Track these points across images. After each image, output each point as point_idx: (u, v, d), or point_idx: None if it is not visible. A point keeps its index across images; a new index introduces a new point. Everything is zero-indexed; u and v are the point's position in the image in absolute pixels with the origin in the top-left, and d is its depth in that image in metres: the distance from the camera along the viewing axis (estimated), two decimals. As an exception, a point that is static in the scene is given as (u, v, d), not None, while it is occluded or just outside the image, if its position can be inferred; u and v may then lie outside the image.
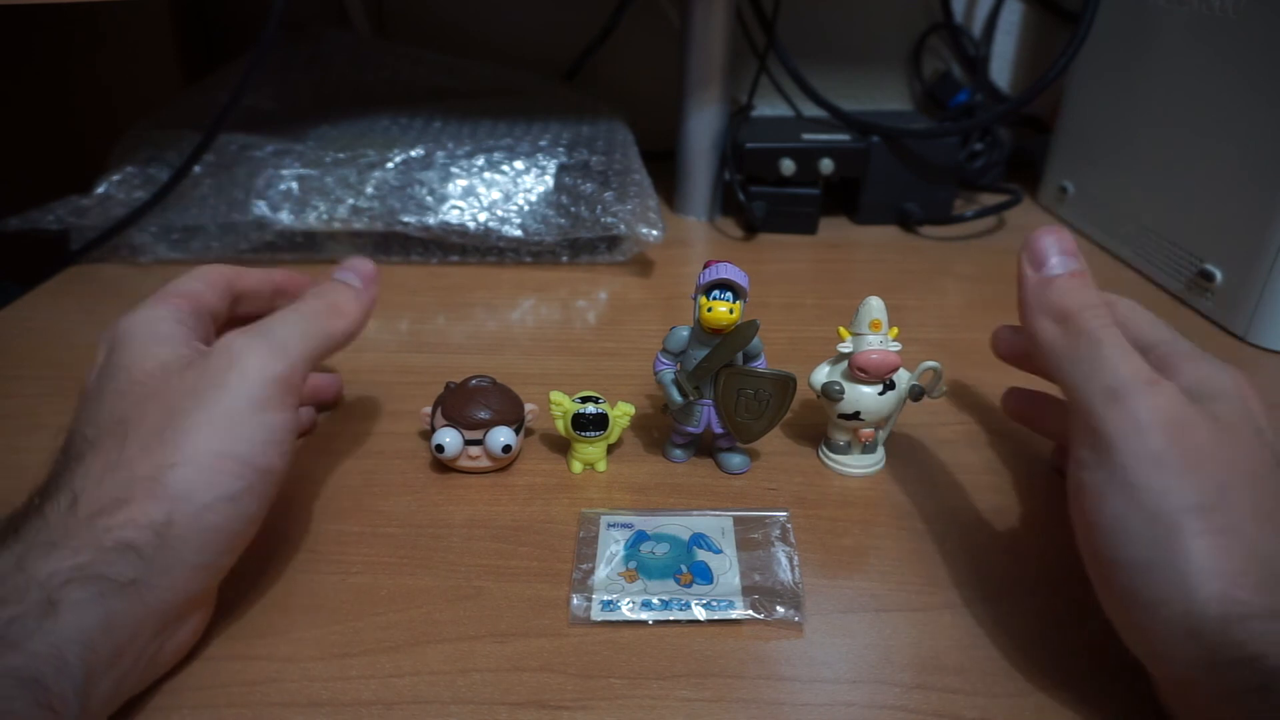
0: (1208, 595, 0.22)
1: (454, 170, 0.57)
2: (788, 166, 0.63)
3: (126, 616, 0.24)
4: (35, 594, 0.23)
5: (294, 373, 0.29)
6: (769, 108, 0.75)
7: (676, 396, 0.36)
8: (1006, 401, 0.39)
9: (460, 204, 0.56)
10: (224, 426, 0.27)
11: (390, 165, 0.57)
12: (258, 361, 0.28)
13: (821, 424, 0.40)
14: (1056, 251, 0.29)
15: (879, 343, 0.35)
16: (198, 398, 0.27)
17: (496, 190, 0.57)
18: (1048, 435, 0.39)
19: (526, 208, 0.57)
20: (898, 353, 0.36)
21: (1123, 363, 0.26)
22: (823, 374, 0.37)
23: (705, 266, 0.34)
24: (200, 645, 0.29)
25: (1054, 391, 0.37)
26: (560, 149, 0.59)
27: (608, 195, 0.56)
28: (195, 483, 0.26)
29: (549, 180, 0.57)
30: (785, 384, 0.35)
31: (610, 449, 0.39)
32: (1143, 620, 0.24)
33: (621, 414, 0.37)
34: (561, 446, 0.39)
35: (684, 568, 0.32)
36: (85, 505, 0.25)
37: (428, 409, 0.38)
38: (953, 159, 0.65)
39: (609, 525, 0.34)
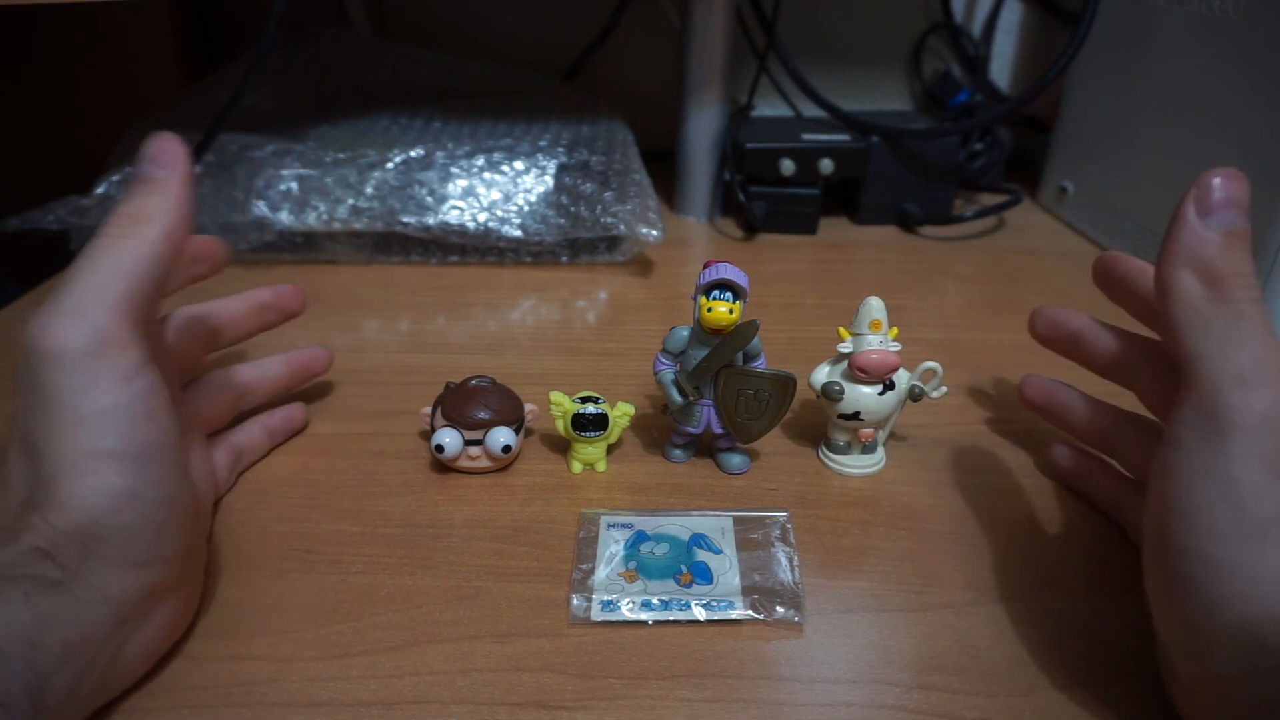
0: (1274, 602, 0.22)
1: (454, 170, 0.57)
2: (788, 166, 0.63)
3: (65, 614, 0.23)
4: None
5: (111, 331, 0.25)
6: (769, 108, 0.75)
7: (676, 396, 0.36)
8: (1024, 388, 0.38)
9: (460, 204, 0.56)
10: (74, 426, 0.24)
11: (390, 165, 0.57)
12: (66, 343, 0.24)
13: (821, 424, 0.40)
14: (1227, 202, 0.25)
15: (879, 343, 0.35)
16: (39, 406, 0.25)
17: (496, 190, 0.57)
18: (1063, 428, 0.37)
19: (526, 208, 0.57)
20: (898, 353, 0.36)
21: (1262, 348, 0.24)
22: (823, 374, 0.37)
23: (705, 266, 0.34)
24: (200, 645, 0.29)
25: (1079, 381, 0.37)
26: (560, 149, 0.59)
27: (608, 195, 0.56)
28: (81, 490, 0.24)
29: (549, 180, 0.57)
30: (785, 384, 0.35)
31: (610, 449, 0.39)
32: (1197, 616, 0.23)
33: (621, 414, 0.37)
34: (561, 446, 0.39)
35: (684, 568, 0.32)
36: (1, 507, 0.25)
37: (428, 409, 0.38)
38: (953, 159, 0.65)
39: (609, 525, 0.34)
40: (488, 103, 0.66)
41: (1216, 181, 0.26)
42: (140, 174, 0.28)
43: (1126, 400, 0.34)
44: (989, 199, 0.68)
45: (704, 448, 0.39)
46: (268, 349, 0.41)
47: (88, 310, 0.25)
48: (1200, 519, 0.23)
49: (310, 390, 0.43)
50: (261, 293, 0.39)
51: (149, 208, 0.28)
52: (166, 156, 0.28)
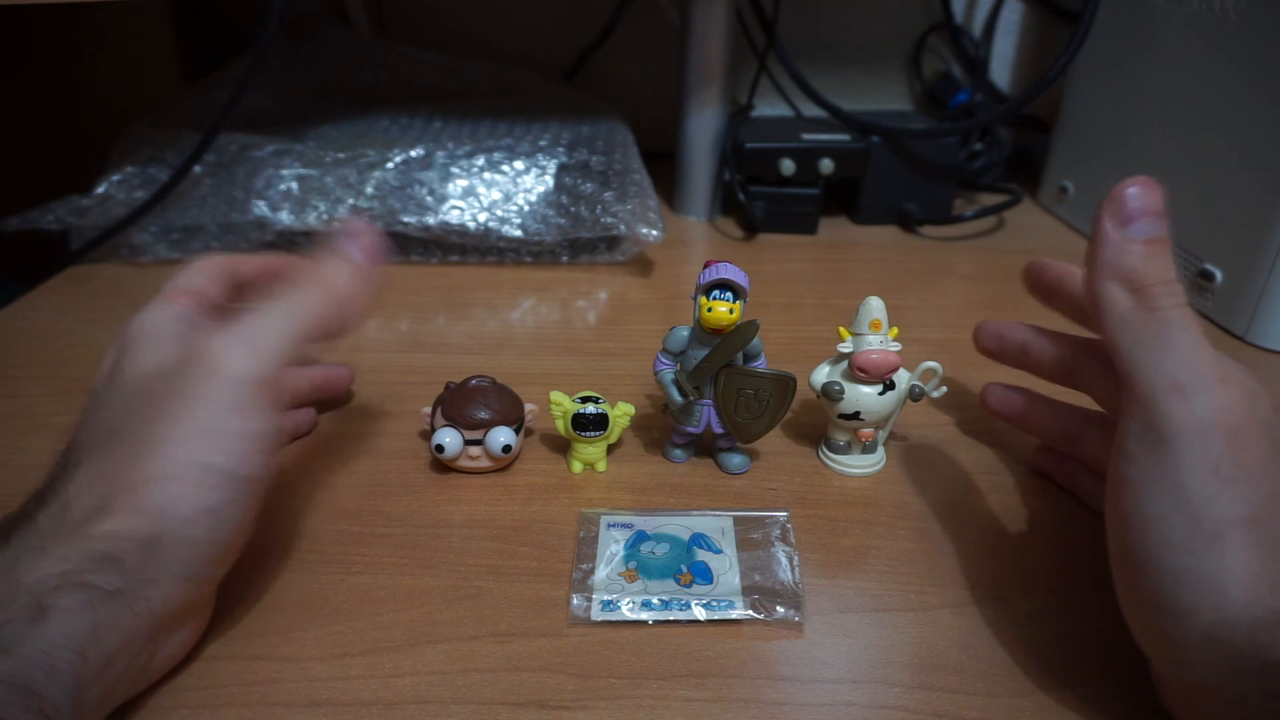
0: (1241, 605, 0.22)
1: (454, 170, 0.57)
2: (788, 166, 0.63)
3: (115, 624, 0.24)
4: (24, 599, 0.23)
5: (270, 369, 0.28)
6: (769, 108, 0.75)
7: (676, 396, 0.36)
8: (986, 397, 0.38)
9: (460, 204, 0.56)
10: (201, 437, 0.26)
11: (390, 165, 0.57)
12: (234, 365, 0.27)
13: (821, 424, 0.40)
14: (1143, 211, 0.26)
15: (879, 343, 0.35)
16: (175, 407, 0.26)
17: (496, 190, 0.57)
18: (1031, 433, 0.38)
19: (526, 208, 0.57)
20: (898, 353, 0.36)
21: (1194, 353, 0.24)
22: (823, 374, 0.37)
23: (705, 266, 0.34)
24: (200, 645, 0.29)
25: (1039, 389, 0.37)
26: (560, 149, 0.59)
27: (608, 195, 0.56)
28: (175, 496, 0.25)
29: (549, 180, 0.57)
30: (785, 384, 0.35)
31: (610, 449, 0.39)
32: (1166, 625, 0.23)
33: (621, 414, 0.37)
34: (561, 446, 0.39)
35: (684, 568, 0.32)
36: (73, 512, 0.25)
37: (428, 409, 0.38)
38: (953, 159, 0.65)
39: (609, 525, 0.34)
40: (488, 103, 0.66)
41: (1131, 191, 0.26)
42: (343, 249, 0.31)
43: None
44: (989, 199, 0.68)
45: (704, 448, 0.39)
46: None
47: (262, 345, 0.28)
48: (1157, 530, 0.23)
49: (310, 390, 0.43)
50: (275, 261, 0.38)
51: (340, 281, 0.30)
52: (369, 248, 0.32)
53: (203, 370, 0.26)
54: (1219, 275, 0.50)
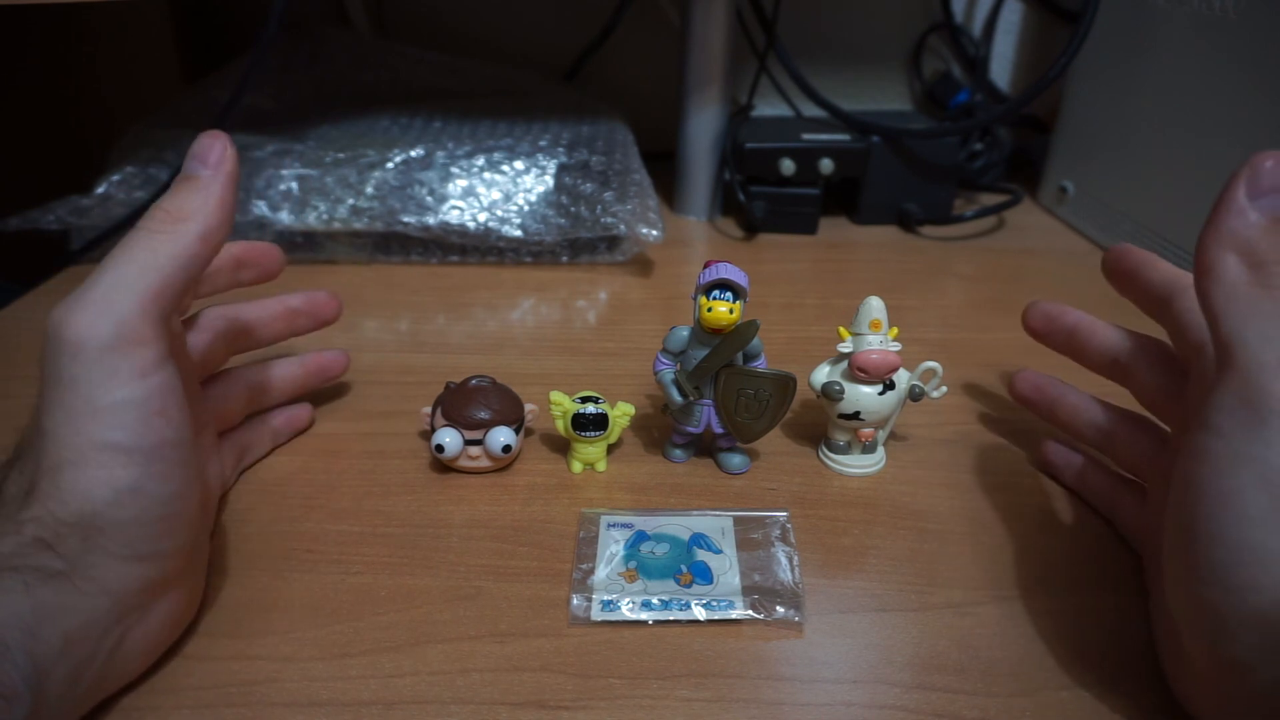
0: None
1: (454, 170, 0.57)
2: (788, 166, 0.63)
3: (64, 605, 0.24)
4: None
5: (133, 326, 0.25)
6: (769, 108, 0.75)
7: (676, 396, 0.36)
8: (1016, 382, 0.38)
9: (460, 204, 0.56)
10: (87, 417, 0.25)
11: (390, 165, 0.57)
12: (88, 335, 0.25)
13: (821, 424, 0.40)
14: (1275, 187, 0.25)
15: (879, 343, 0.35)
16: (52, 395, 0.25)
17: (496, 190, 0.57)
18: (1056, 423, 0.38)
19: (526, 208, 0.57)
20: (898, 353, 0.36)
21: None
22: (823, 374, 0.37)
23: (705, 266, 0.34)
24: (200, 645, 0.29)
25: (1072, 376, 0.37)
26: (560, 149, 0.59)
27: (608, 195, 0.56)
28: (86, 481, 0.24)
29: (549, 180, 0.57)
30: (785, 384, 0.35)
31: (610, 449, 0.39)
32: (1221, 600, 0.23)
33: (621, 414, 0.37)
34: (561, 446, 0.39)
35: (684, 568, 0.32)
36: (8, 495, 0.25)
37: (428, 409, 0.38)
38: (953, 159, 0.65)
39: (609, 525, 0.34)
40: (488, 103, 0.66)
41: (1269, 165, 0.25)
42: (184, 170, 0.28)
43: (1119, 398, 0.34)
44: (989, 199, 0.68)
45: (704, 448, 0.39)
46: (284, 349, 0.41)
47: (113, 303, 0.25)
48: (1233, 504, 0.23)
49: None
50: (293, 298, 0.39)
51: (189, 206, 0.28)
52: (213, 155, 0.28)
53: (60, 349, 0.25)
54: (1219, 275, 0.50)
